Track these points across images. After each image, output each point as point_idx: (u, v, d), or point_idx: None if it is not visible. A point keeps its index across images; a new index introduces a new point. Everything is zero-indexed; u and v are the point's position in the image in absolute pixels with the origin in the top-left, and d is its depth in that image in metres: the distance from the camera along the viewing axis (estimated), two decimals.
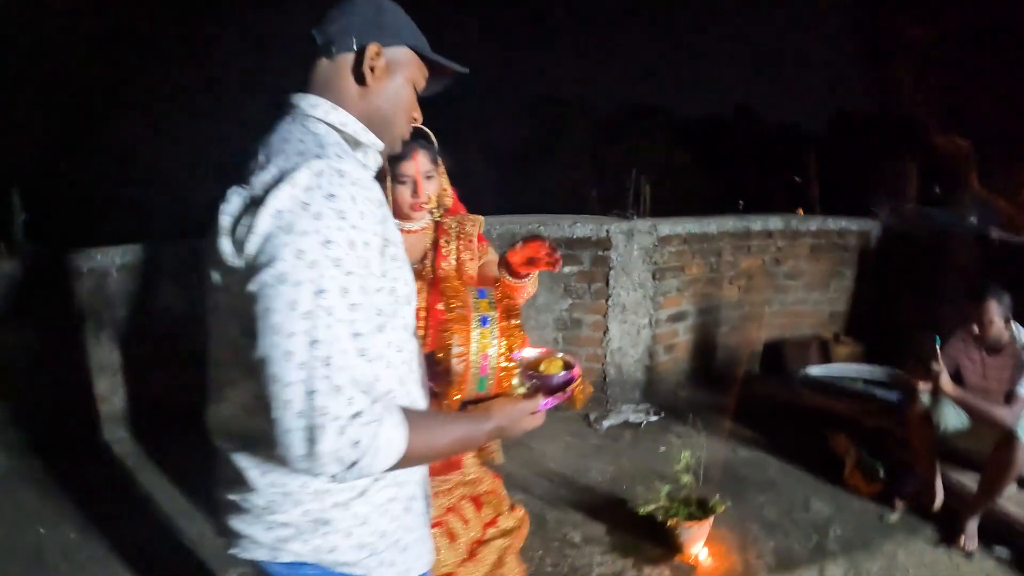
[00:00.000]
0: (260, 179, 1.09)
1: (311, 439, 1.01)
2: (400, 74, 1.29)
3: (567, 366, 1.43)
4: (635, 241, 4.44)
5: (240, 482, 1.22)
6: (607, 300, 4.49)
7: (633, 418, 4.35)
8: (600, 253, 4.44)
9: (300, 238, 1.02)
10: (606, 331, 4.53)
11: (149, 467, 4.07)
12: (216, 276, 1.14)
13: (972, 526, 3.00)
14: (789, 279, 5.07)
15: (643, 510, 2.94)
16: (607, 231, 4.42)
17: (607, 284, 4.47)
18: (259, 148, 1.17)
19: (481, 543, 1.93)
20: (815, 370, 4.39)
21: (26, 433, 4.59)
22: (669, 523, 2.84)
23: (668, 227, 4.59)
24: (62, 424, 4.53)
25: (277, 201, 1.04)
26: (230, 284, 1.11)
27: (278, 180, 1.06)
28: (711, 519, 2.88)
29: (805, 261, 5.07)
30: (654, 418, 4.37)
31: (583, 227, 4.48)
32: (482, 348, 1.35)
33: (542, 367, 1.43)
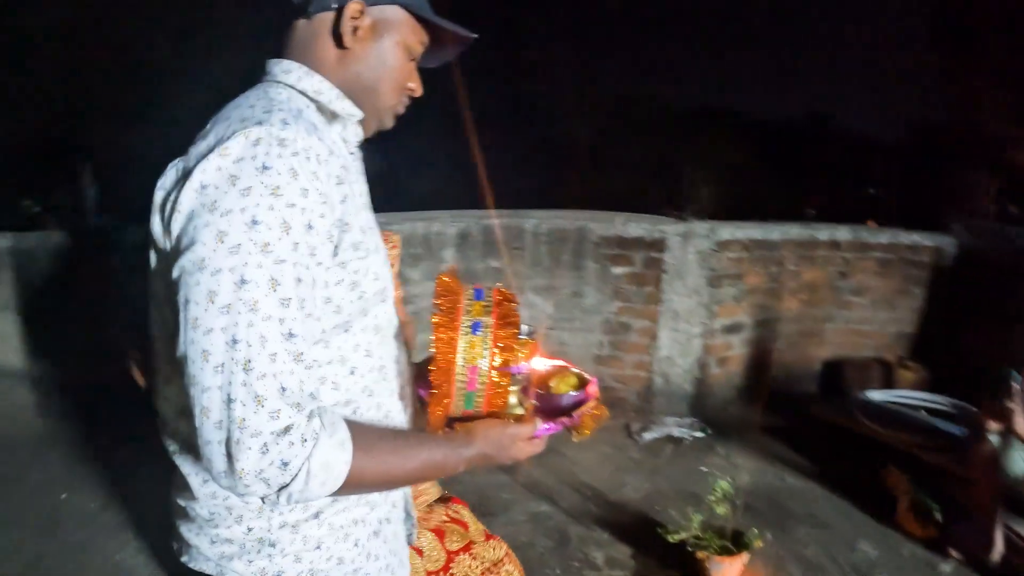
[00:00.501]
0: (197, 149, 0.94)
1: (229, 454, 0.87)
2: (388, 37, 1.11)
3: (581, 383, 1.26)
4: (691, 244, 4.21)
5: (185, 488, 1.09)
6: (658, 305, 4.29)
7: (677, 432, 4.13)
8: (653, 255, 4.23)
9: (223, 218, 0.87)
10: (655, 338, 4.34)
11: None
12: (152, 259, 1.00)
13: None
14: (854, 295, 4.75)
15: (673, 537, 2.74)
16: (662, 232, 4.21)
17: (659, 288, 4.26)
18: (216, 117, 1.01)
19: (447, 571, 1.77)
20: (875, 395, 4.09)
21: (70, 400, 4.71)
22: (699, 555, 2.65)
23: (728, 231, 4.33)
24: (107, 395, 4.60)
25: (203, 174, 0.89)
26: (161, 269, 0.97)
27: (210, 150, 0.91)
28: (745, 555, 2.67)
29: (873, 276, 4.73)
30: (699, 434, 4.15)
31: (636, 226, 4.28)
32: (470, 359, 1.12)
33: (552, 383, 1.26)
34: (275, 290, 0.88)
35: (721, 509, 2.70)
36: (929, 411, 3.88)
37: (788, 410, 4.43)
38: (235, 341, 0.86)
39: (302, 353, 0.91)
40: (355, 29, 1.07)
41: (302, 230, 0.91)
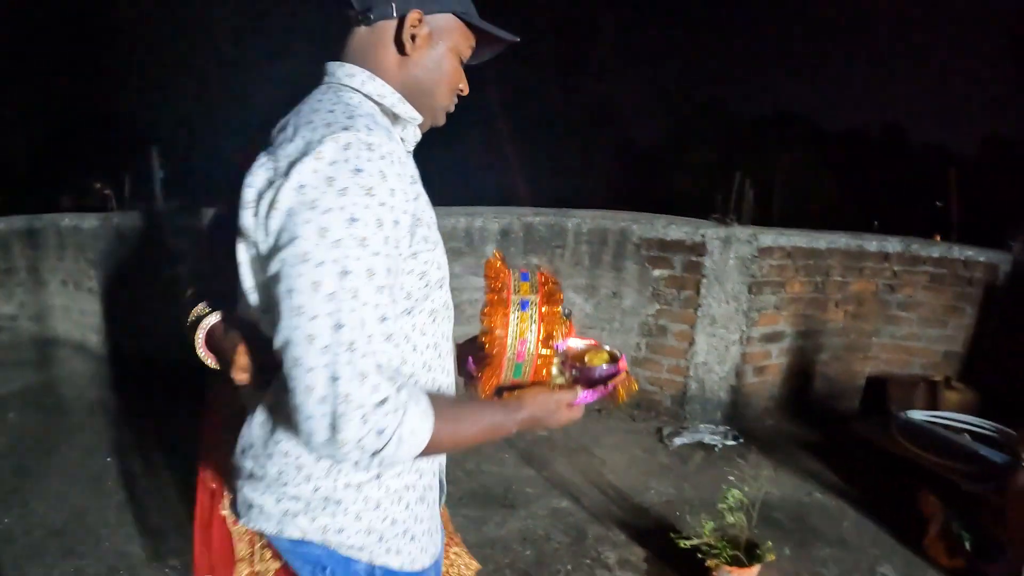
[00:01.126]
0: (285, 151, 1.03)
1: (333, 426, 0.96)
2: (443, 43, 1.21)
3: (612, 359, 1.36)
4: (732, 249, 4.14)
5: (257, 448, 1.21)
6: (696, 310, 4.23)
7: (708, 440, 4.08)
8: (693, 259, 4.18)
9: (324, 215, 0.96)
10: (692, 342, 4.28)
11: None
12: (241, 250, 1.11)
13: None
14: (902, 309, 4.58)
15: (685, 543, 2.71)
16: (703, 236, 4.15)
17: (697, 293, 4.21)
18: (289, 119, 1.11)
19: None
20: (917, 415, 3.94)
21: (120, 372, 4.93)
22: (708, 563, 2.62)
23: (771, 238, 4.22)
24: (158, 369, 4.79)
25: (300, 175, 0.99)
26: (253, 259, 1.09)
27: (303, 153, 1.00)
28: (756, 568, 2.63)
29: (923, 291, 4.55)
30: (732, 442, 4.08)
31: (677, 229, 4.24)
32: (520, 333, 1.24)
33: (587, 358, 1.35)
34: (371, 279, 0.98)
35: (732, 518, 2.66)
36: (973, 435, 3.73)
37: (826, 425, 4.31)
38: (339, 325, 0.95)
39: (392, 334, 1.01)
40: (414, 37, 1.17)
41: (390, 225, 1.02)
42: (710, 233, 4.15)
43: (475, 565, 2.00)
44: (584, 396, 1.31)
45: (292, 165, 1.00)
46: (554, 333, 1.27)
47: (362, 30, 1.18)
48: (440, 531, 1.39)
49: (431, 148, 1.59)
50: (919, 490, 3.38)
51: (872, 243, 4.46)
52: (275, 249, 1.01)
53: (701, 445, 4.05)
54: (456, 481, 3.47)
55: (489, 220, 4.47)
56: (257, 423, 1.22)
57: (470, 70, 1.30)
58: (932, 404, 4.23)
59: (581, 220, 4.48)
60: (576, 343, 1.40)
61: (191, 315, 1.39)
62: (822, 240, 4.36)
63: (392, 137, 1.11)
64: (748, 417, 4.42)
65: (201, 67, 12.83)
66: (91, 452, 3.78)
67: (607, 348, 1.39)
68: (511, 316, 1.25)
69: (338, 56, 1.19)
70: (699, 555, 2.65)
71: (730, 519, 2.65)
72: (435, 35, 1.19)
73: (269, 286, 1.03)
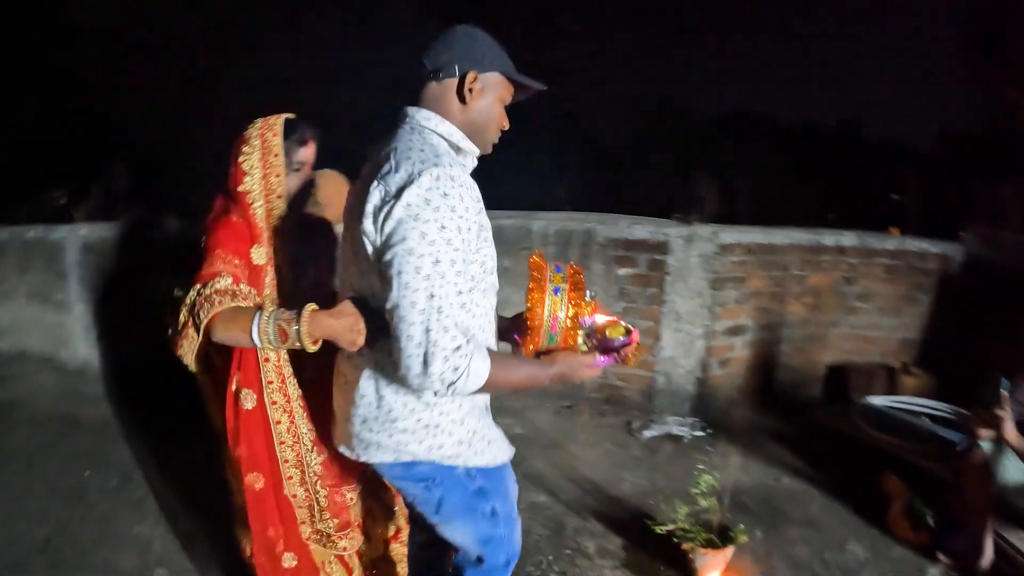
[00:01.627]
0: (394, 180, 1.49)
1: (425, 363, 1.46)
2: (491, 94, 1.67)
3: (627, 332, 1.76)
4: (694, 247, 4.27)
5: (369, 398, 1.68)
6: (661, 306, 4.35)
7: (677, 431, 4.20)
8: (657, 257, 4.31)
9: (424, 224, 1.44)
10: (658, 338, 4.40)
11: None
12: (367, 247, 1.55)
13: None
14: (860, 300, 4.77)
15: (660, 529, 2.83)
16: (666, 235, 4.28)
17: (662, 290, 4.33)
18: (390, 153, 1.55)
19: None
20: (877, 401, 4.12)
21: (93, 384, 4.88)
22: (684, 547, 2.73)
23: (731, 235, 4.38)
24: (131, 380, 4.77)
25: (407, 197, 1.45)
26: (372, 253, 1.54)
27: (408, 182, 1.47)
28: (730, 549, 2.74)
29: (879, 282, 4.75)
30: (700, 433, 4.21)
31: (641, 229, 4.36)
32: (553, 311, 1.69)
33: (608, 331, 1.75)
34: (453, 266, 1.47)
35: (705, 502, 2.77)
36: (932, 418, 3.90)
37: (790, 413, 4.47)
38: (432, 296, 1.45)
39: (465, 303, 1.53)
40: (471, 90, 1.62)
41: (465, 231, 1.50)
42: (673, 232, 4.28)
43: None
44: (601, 360, 1.73)
45: (401, 190, 1.46)
46: (579, 312, 1.71)
47: (434, 84, 1.64)
48: (505, 438, 1.88)
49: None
50: (882, 471, 3.54)
51: (828, 238, 4.64)
52: (388, 245, 1.47)
53: (670, 437, 4.18)
54: None
55: None
56: (366, 382, 1.68)
57: None
58: (891, 390, 4.42)
59: (548, 222, 4.58)
60: (600, 318, 1.78)
61: (279, 316, 1.75)
62: (780, 236, 4.53)
63: (465, 169, 1.63)
64: (714, 408, 4.56)
65: (170, 76, 12.65)
66: (69, 466, 3.75)
67: (624, 323, 1.78)
68: (547, 298, 1.70)
69: (414, 102, 1.65)
70: (675, 540, 2.76)
71: (703, 504, 2.76)
72: (486, 89, 1.65)
73: (383, 270, 1.50)
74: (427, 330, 1.44)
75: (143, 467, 3.73)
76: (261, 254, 2.03)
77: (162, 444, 4.00)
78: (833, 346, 4.83)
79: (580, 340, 1.73)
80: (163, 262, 4.57)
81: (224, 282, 1.86)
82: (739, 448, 4.01)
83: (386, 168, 1.51)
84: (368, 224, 1.51)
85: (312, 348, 1.72)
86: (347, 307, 1.66)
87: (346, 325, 1.65)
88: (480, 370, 1.51)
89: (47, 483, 3.56)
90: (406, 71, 1.71)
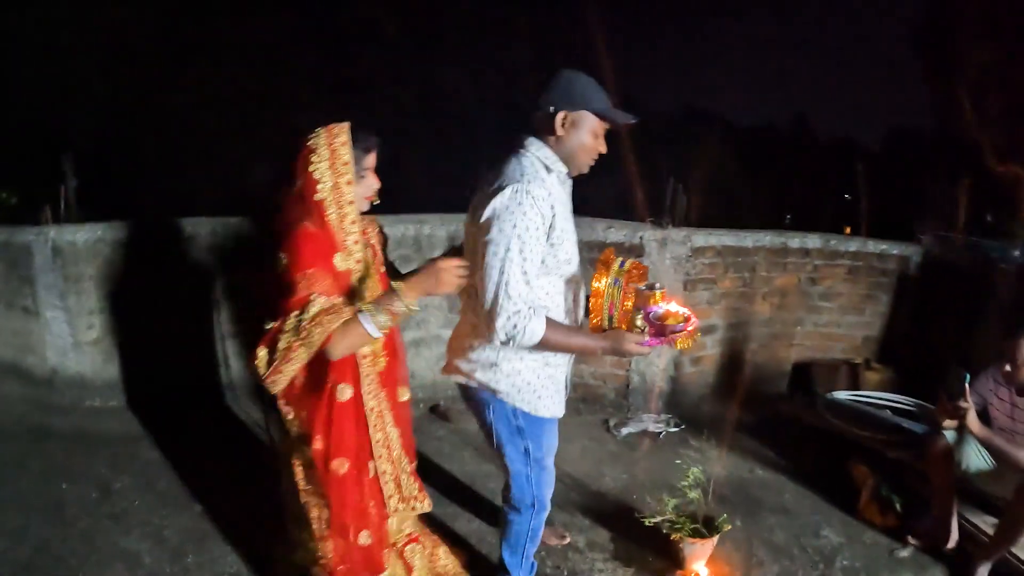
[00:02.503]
0: (492, 189, 2.04)
1: (492, 319, 1.99)
2: (583, 128, 2.12)
3: (685, 320, 2.06)
4: (668, 250, 4.41)
5: (465, 335, 2.29)
6: None
7: (653, 427, 4.34)
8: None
9: (501, 223, 1.98)
10: None
11: (187, 433, 4.23)
12: (469, 234, 2.18)
13: (983, 571, 2.92)
14: (823, 300, 4.98)
15: (648, 521, 2.94)
16: (641, 238, 4.41)
17: None
18: (499, 169, 2.12)
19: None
20: (842, 395, 4.31)
21: (59, 392, 4.76)
22: (673, 537, 2.84)
23: (703, 238, 4.54)
24: (98, 388, 4.68)
25: (495, 203, 2.00)
26: (474, 237, 2.09)
27: (497, 191, 2.01)
28: (715, 538, 2.87)
29: (841, 282, 4.97)
30: (674, 429, 4.35)
31: (617, 232, 4.47)
32: (611, 297, 2.07)
33: (668, 320, 2.05)
34: (520, 254, 1.97)
35: (693, 494, 2.90)
36: (893, 410, 4.10)
37: (759, 408, 4.64)
38: (502, 272, 1.96)
39: (528, 281, 2.00)
40: (562, 125, 2.09)
41: (533, 230, 1.98)
42: (647, 235, 4.41)
43: (457, 557, 2.79)
44: (648, 341, 2.04)
45: (493, 196, 2.00)
46: (636, 300, 2.04)
47: (539, 115, 2.12)
48: (562, 402, 2.39)
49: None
50: (849, 461, 3.73)
51: (794, 240, 4.83)
52: (483, 232, 2.01)
53: (646, 433, 4.31)
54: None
55: (436, 227, 4.61)
56: (462, 327, 2.34)
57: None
58: (854, 384, 4.62)
59: None
60: (671, 307, 2.09)
61: (381, 304, 2.02)
62: (749, 239, 4.71)
63: (543, 184, 2.06)
64: (687, 405, 4.72)
65: (116, 73, 12.34)
66: (44, 479, 3.64)
67: (684, 311, 2.09)
68: (606, 287, 2.06)
69: (532, 132, 2.14)
70: (664, 531, 2.87)
71: (691, 495, 2.88)
72: (576, 124, 2.10)
73: (479, 251, 2.02)
74: (496, 296, 1.97)
75: (121, 478, 3.67)
76: (343, 260, 2.11)
77: (139, 453, 3.97)
78: (798, 343, 5.03)
79: (638, 322, 2.04)
80: (140, 264, 4.56)
81: (320, 302, 1.95)
82: (713, 442, 4.14)
83: (490, 178, 2.11)
84: (470, 217, 2.14)
85: (416, 309, 2.05)
86: (424, 266, 2.07)
87: (431, 276, 2.03)
88: (536, 331, 1.99)
89: (22, 499, 3.44)
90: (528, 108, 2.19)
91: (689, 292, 4.54)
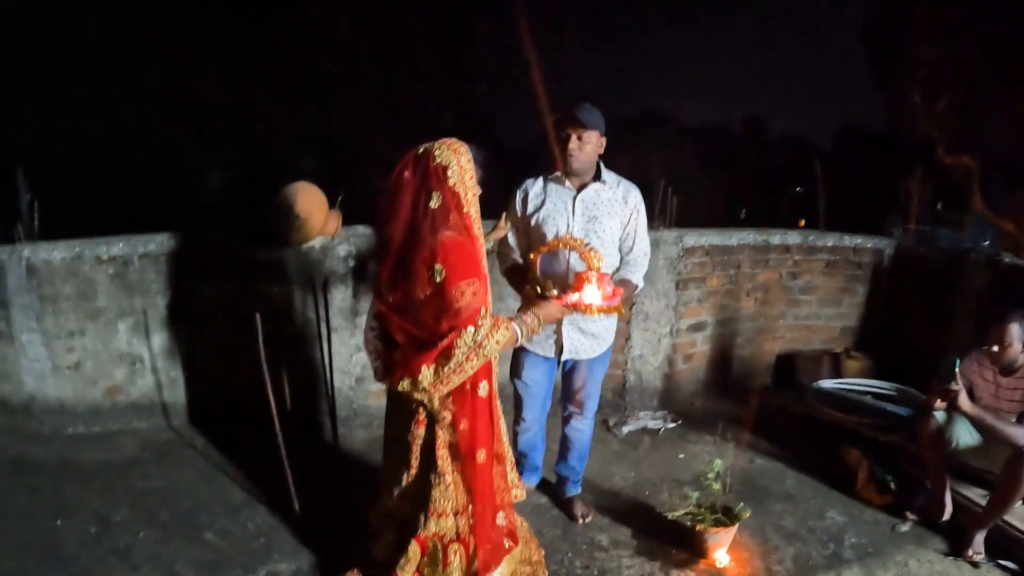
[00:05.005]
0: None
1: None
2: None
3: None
4: (661, 251, 4.53)
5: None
6: (631, 308, 4.59)
7: (651, 425, 4.46)
8: None
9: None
10: (628, 338, 4.64)
11: (178, 459, 4.13)
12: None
13: (979, 539, 3.14)
14: (803, 294, 5.19)
15: (671, 515, 3.06)
16: None
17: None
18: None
19: None
20: (827, 383, 4.50)
21: (37, 422, 4.56)
22: (697, 528, 2.96)
23: (693, 239, 4.69)
24: (87, 414, 4.55)
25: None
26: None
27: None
28: (736, 526, 3.00)
29: (820, 276, 5.18)
30: (671, 425, 4.48)
31: None
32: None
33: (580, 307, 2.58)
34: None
35: (716, 486, 3.02)
36: (875, 395, 4.31)
37: (747, 400, 4.79)
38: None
39: None
40: None
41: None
42: None
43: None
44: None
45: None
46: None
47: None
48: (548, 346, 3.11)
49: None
50: (840, 446, 3.93)
51: (776, 237, 5.03)
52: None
53: (646, 430, 4.43)
54: None
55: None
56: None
57: None
58: (836, 373, 4.82)
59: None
60: (590, 295, 2.58)
61: (527, 322, 2.41)
62: (734, 237, 4.88)
63: (536, 179, 3.07)
64: (680, 400, 4.87)
65: (68, 81, 11.95)
66: (34, 515, 3.36)
67: (598, 303, 2.57)
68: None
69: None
70: (688, 523, 2.99)
71: (715, 487, 3.01)
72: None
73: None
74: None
75: (119, 510, 3.42)
76: (486, 266, 2.29)
77: (133, 481, 3.72)
78: (780, 336, 5.24)
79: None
80: (122, 284, 4.41)
81: (489, 315, 2.17)
82: (709, 435, 4.29)
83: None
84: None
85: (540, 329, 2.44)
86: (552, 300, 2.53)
87: (558, 313, 2.53)
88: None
89: (11, 539, 3.15)
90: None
91: (681, 291, 4.69)
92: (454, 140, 2.25)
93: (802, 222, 8.22)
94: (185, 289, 4.48)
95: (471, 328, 2.06)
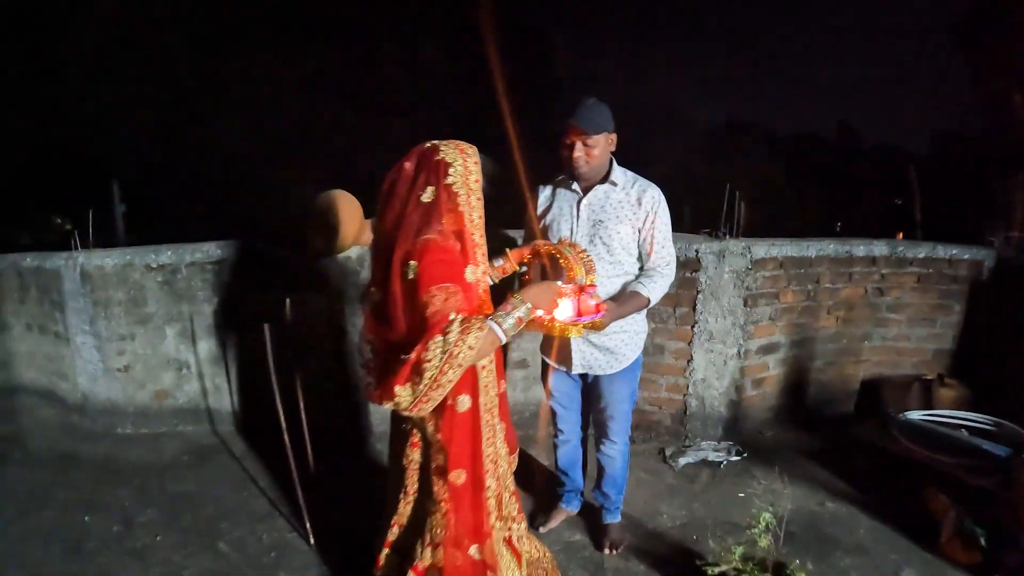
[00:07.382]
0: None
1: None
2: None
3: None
4: (726, 263, 4.09)
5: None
6: (693, 327, 4.16)
7: (713, 456, 4.04)
8: (688, 275, 4.10)
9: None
10: (690, 360, 4.21)
11: (215, 465, 4.11)
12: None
13: None
14: (891, 311, 4.62)
15: (712, 571, 2.65)
16: (696, 251, 4.09)
17: (694, 309, 4.13)
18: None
19: None
20: (915, 415, 3.97)
21: (90, 420, 4.69)
22: None
23: (763, 249, 4.18)
24: (136, 415, 4.58)
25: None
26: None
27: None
28: None
29: (910, 292, 4.60)
30: (736, 458, 4.04)
31: None
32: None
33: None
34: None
35: (764, 541, 2.61)
36: (971, 430, 3.76)
37: (825, 431, 4.32)
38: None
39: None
40: None
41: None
42: (703, 248, 4.09)
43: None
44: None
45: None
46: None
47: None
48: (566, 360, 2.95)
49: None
50: (926, 489, 3.38)
51: (860, 248, 4.48)
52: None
53: (706, 463, 4.01)
54: None
55: None
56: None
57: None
58: (927, 403, 4.25)
59: None
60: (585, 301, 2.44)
61: (510, 312, 2.06)
62: (812, 248, 4.36)
63: (547, 184, 2.92)
64: (748, 430, 4.40)
65: (161, 100, 12.55)
66: (67, 510, 3.57)
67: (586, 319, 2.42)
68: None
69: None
70: None
71: (763, 543, 2.59)
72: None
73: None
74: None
75: (146, 511, 3.57)
76: (472, 273, 2.08)
77: (166, 484, 3.87)
78: (865, 359, 4.67)
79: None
80: (170, 291, 4.46)
81: (458, 320, 1.87)
82: (778, 472, 3.82)
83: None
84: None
85: (535, 314, 2.17)
86: (542, 283, 2.20)
87: (548, 293, 2.21)
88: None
89: (45, 531, 3.38)
90: None
91: (750, 308, 4.20)
92: (464, 142, 2.14)
93: (899, 235, 7.54)
94: (230, 297, 4.50)
95: (438, 337, 1.83)
